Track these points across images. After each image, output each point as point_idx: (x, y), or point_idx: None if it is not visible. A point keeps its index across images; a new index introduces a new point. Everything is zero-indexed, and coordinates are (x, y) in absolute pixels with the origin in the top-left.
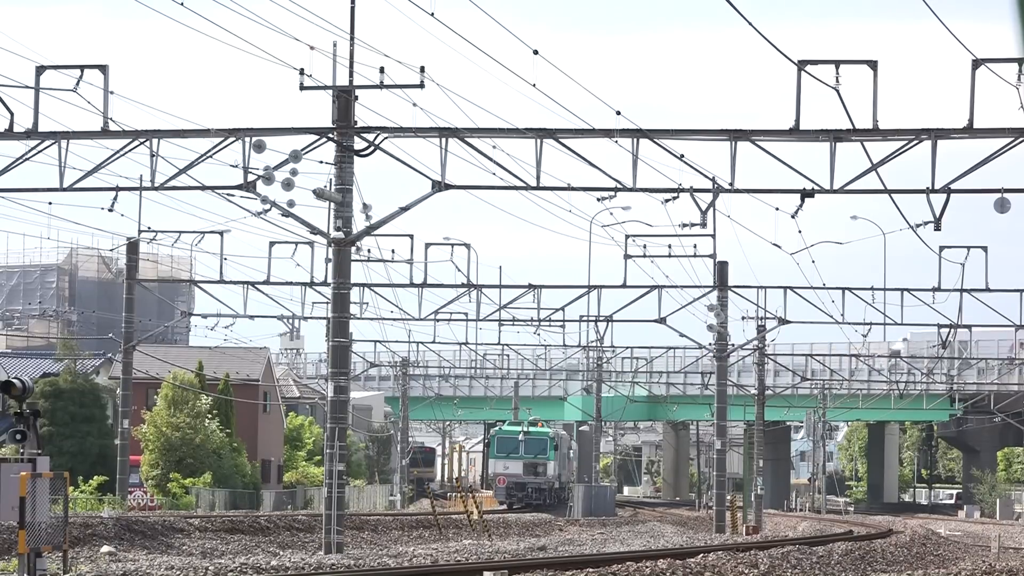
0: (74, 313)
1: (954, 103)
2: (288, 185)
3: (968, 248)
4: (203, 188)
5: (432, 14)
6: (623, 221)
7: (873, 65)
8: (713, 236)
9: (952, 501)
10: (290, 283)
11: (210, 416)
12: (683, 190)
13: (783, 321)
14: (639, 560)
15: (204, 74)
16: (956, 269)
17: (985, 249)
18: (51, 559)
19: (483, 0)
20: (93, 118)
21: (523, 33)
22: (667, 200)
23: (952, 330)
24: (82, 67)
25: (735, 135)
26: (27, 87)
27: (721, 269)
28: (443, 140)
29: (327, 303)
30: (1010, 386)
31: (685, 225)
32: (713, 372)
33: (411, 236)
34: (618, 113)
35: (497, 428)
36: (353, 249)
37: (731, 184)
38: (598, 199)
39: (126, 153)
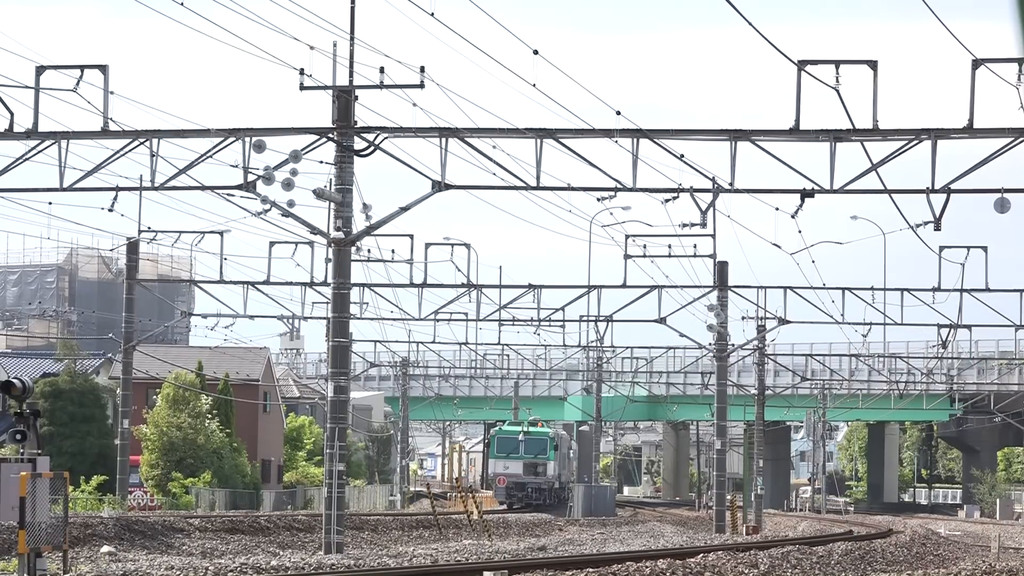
0: (74, 313)
1: (954, 103)
2: (288, 185)
3: (968, 248)
4: (203, 188)
5: (432, 14)
6: (623, 221)
7: (873, 65)
8: (713, 236)
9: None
10: (290, 283)
11: (210, 416)
12: (683, 190)
13: (783, 321)
14: (639, 560)
15: (204, 74)
16: (956, 269)
17: (985, 249)
18: (51, 559)
19: (483, 0)
20: (93, 118)
21: (523, 33)
22: (667, 200)
23: (952, 330)
24: (82, 67)
25: (735, 135)
26: (27, 87)
27: (721, 269)
28: (443, 140)
29: (327, 303)
30: (1010, 386)
31: (685, 225)
32: (713, 372)
33: (411, 236)
34: (618, 113)
35: (497, 428)
36: (353, 249)
37: (731, 184)
38: (598, 199)
39: (126, 153)
